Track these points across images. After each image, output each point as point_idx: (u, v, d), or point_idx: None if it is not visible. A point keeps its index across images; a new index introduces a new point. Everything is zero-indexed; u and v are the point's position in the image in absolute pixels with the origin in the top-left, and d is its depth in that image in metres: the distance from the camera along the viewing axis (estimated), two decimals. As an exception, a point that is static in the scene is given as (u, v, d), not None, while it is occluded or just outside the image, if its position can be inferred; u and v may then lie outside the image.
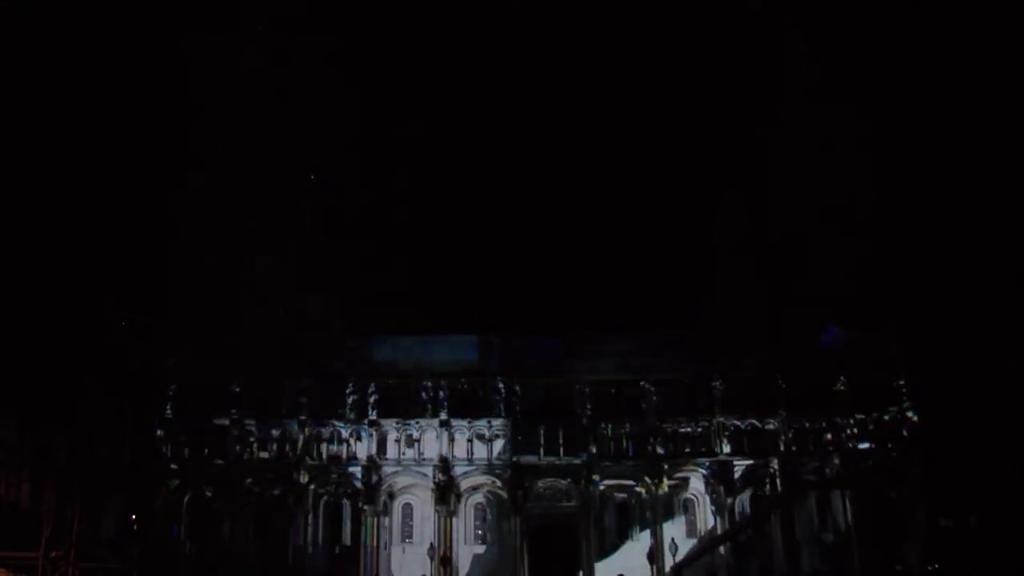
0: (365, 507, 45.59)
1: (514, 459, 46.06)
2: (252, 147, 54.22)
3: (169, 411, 47.47)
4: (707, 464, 46.22)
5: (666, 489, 46.01)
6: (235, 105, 55.44)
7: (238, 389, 47.76)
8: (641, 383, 47.95)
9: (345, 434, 46.94)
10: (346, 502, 46.84)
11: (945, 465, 44.16)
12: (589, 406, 47.47)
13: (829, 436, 46.28)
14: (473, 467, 46.33)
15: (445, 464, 46.01)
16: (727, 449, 46.31)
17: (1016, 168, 48.90)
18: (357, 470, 46.10)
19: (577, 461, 46.14)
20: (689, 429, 47.07)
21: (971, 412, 44.47)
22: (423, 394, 47.99)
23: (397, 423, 46.98)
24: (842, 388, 47.51)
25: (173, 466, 46.03)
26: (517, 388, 47.75)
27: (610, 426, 47.13)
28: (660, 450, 46.36)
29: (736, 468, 45.92)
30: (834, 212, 52.75)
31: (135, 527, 45.99)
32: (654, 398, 47.79)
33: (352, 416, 47.56)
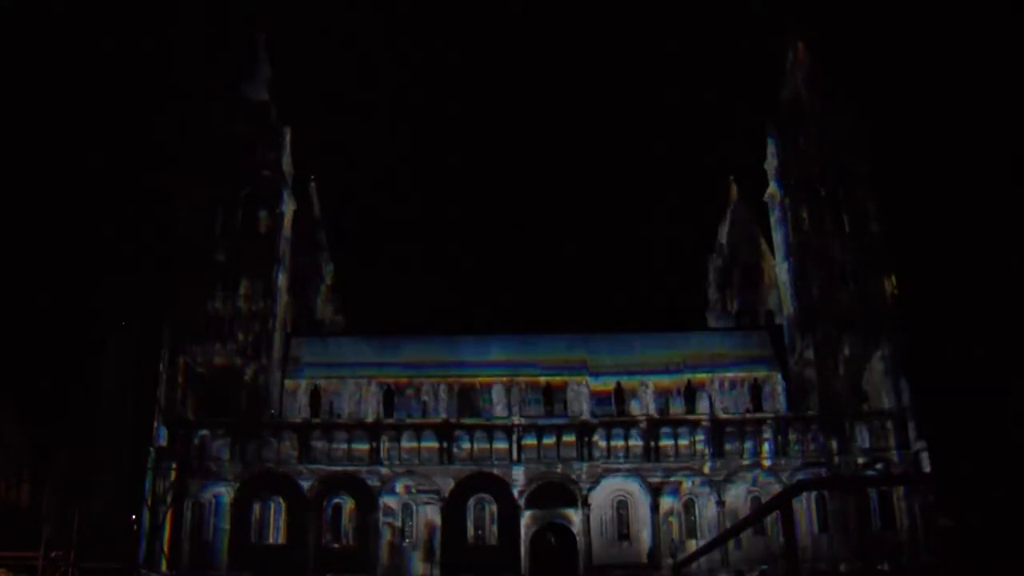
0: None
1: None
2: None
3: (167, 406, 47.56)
4: (705, 465, 46.31)
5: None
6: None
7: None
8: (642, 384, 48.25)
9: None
10: (349, 500, 46.74)
11: (946, 465, 44.17)
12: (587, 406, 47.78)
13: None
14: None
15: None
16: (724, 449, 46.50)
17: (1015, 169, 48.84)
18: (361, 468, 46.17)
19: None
20: (687, 430, 47.13)
21: (971, 410, 44.48)
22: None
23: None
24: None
25: (173, 463, 46.04)
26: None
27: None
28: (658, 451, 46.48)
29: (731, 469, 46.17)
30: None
31: (135, 526, 45.92)
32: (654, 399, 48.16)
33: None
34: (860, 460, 45.83)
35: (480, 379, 50.33)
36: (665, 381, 50.47)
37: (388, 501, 46.44)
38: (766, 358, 52.67)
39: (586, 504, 45.74)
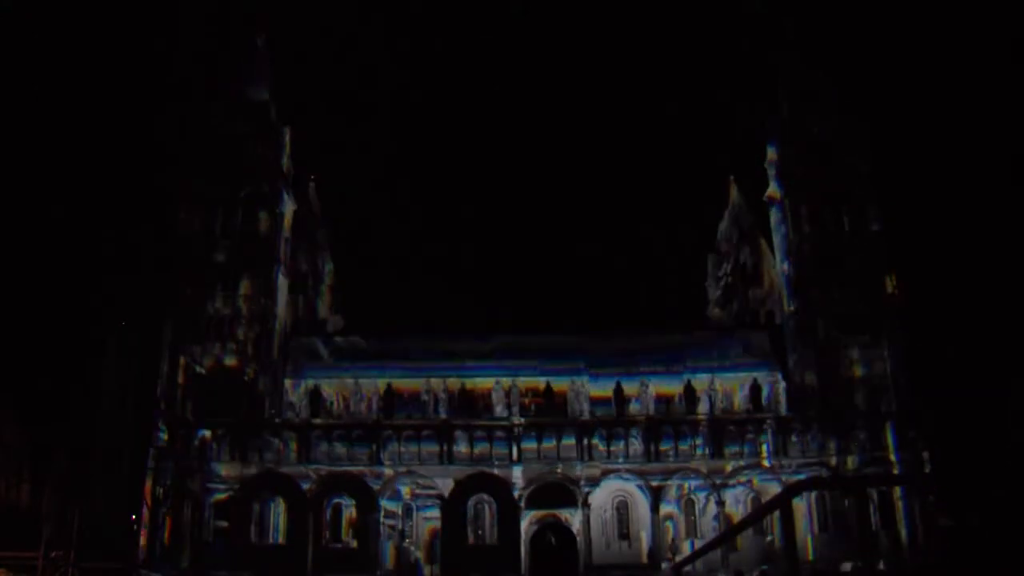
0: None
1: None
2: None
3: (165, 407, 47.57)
4: (705, 465, 46.30)
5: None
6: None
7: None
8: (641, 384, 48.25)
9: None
10: (349, 500, 46.70)
11: (946, 465, 44.22)
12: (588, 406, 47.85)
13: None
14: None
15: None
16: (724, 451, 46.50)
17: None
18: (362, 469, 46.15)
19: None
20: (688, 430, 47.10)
21: (971, 409, 44.54)
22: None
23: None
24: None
25: (173, 463, 46.03)
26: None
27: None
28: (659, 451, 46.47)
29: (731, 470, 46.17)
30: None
31: (135, 526, 45.94)
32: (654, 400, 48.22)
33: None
34: (860, 460, 45.80)
35: (480, 379, 50.29)
36: (665, 381, 50.41)
37: (388, 501, 46.42)
38: (766, 358, 52.63)
39: (586, 504, 45.71)
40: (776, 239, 55.81)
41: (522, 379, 49.34)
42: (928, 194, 53.73)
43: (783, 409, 49.47)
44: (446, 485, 45.76)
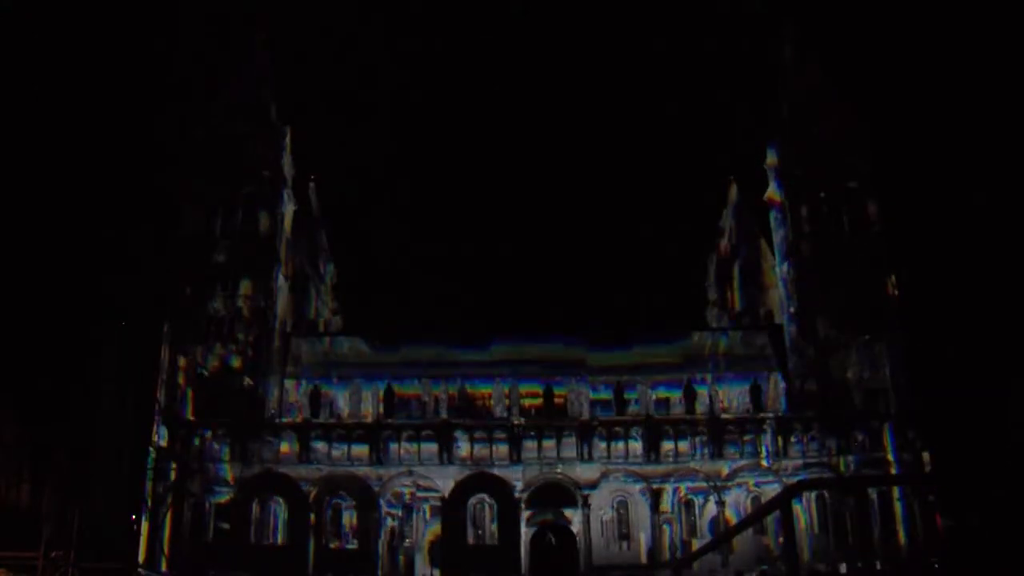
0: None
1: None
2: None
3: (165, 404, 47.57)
4: (705, 465, 46.28)
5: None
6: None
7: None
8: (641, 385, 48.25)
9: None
10: (349, 500, 46.70)
11: (946, 465, 44.21)
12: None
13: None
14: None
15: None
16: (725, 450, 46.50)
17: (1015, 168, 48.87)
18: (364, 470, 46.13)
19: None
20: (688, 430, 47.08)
21: (971, 409, 44.52)
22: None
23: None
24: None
25: (172, 463, 46.06)
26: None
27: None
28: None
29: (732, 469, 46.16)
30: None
31: (135, 526, 45.93)
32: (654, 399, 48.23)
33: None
34: (857, 461, 45.78)
35: (480, 379, 50.27)
36: (665, 381, 50.38)
37: (388, 501, 46.41)
38: (766, 358, 52.63)
39: (586, 504, 45.73)
40: (776, 239, 55.81)
41: (522, 378, 49.23)
42: (928, 194, 53.67)
43: (783, 409, 49.49)
44: (446, 485, 45.76)
